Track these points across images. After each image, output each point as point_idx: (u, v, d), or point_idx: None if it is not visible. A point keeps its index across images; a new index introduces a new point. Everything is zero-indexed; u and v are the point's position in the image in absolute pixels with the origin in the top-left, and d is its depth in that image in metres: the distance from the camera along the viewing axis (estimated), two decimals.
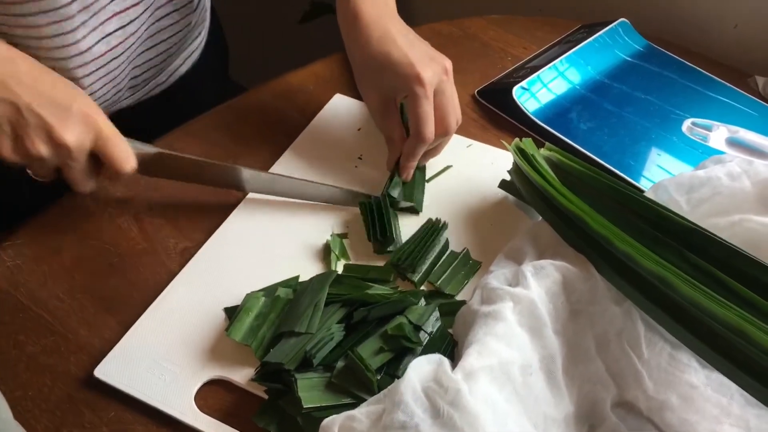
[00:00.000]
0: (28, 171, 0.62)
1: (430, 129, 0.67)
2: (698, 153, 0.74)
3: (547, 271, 0.57)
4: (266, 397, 0.56)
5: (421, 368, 0.50)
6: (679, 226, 0.57)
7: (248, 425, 0.55)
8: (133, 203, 0.70)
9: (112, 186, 0.70)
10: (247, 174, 0.68)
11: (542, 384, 0.53)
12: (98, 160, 0.61)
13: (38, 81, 0.58)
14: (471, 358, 0.51)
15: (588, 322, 0.58)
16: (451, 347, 0.58)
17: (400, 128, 0.71)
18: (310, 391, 0.54)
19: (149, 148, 0.65)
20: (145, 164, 0.64)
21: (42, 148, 0.58)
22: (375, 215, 0.67)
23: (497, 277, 0.59)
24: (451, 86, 0.69)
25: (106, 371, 0.57)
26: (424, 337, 0.58)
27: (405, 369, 0.51)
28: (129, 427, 0.55)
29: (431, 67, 0.67)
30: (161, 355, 0.59)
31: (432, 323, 0.59)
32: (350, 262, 0.65)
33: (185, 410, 0.56)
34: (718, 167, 0.64)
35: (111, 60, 0.73)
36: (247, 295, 0.61)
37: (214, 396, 0.57)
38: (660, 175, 0.72)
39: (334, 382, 0.55)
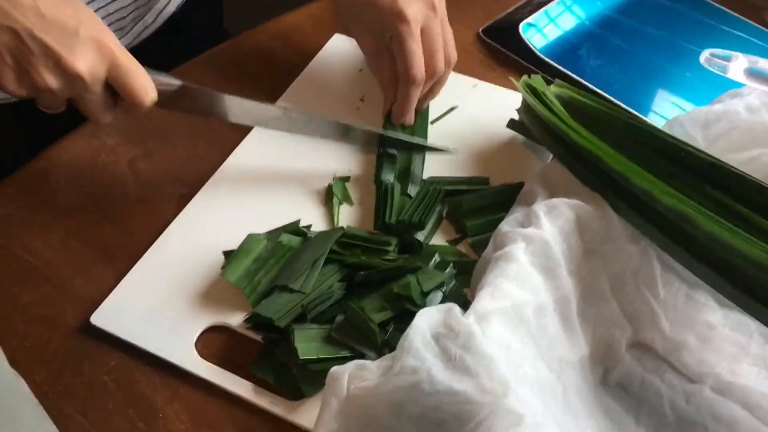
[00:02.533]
0: (38, 104, 0.56)
1: (418, 69, 0.63)
2: (713, 88, 0.71)
3: (560, 209, 0.55)
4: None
5: (430, 316, 0.48)
6: (698, 160, 0.55)
7: (249, 372, 0.53)
8: (127, 149, 0.68)
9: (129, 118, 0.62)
10: (271, 110, 0.64)
11: (557, 326, 0.52)
12: (114, 90, 0.56)
13: (38, 1, 0.51)
14: (483, 300, 0.49)
15: (602, 262, 0.56)
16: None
17: (393, 72, 0.67)
18: (307, 342, 0.52)
19: (170, 80, 0.59)
20: (165, 97, 0.58)
21: (50, 80, 0.51)
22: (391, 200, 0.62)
23: (508, 222, 0.57)
24: (439, 22, 0.65)
25: (103, 318, 0.56)
26: (436, 296, 0.55)
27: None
28: (129, 375, 0.54)
29: (415, 2, 0.62)
30: (160, 302, 0.57)
31: (446, 280, 0.56)
32: (352, 228, 0.61)
33: (186, 357, 0.54)
34: (735, 101, 0.62)
35: None
36: (249, 235, 0.58)
37: (215, 342, 0.55)
38: (674, 112, 0.69)
39: (332, 336, 0.53)
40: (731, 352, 0.55)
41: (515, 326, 0.49)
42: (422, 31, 0.63)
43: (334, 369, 0.48)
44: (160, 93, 0.57)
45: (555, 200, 0.55)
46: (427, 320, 0.48)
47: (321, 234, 0.58)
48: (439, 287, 0.55)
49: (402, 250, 0.59)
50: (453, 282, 0.56)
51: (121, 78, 0.54)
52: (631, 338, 0.56)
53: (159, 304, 0.56)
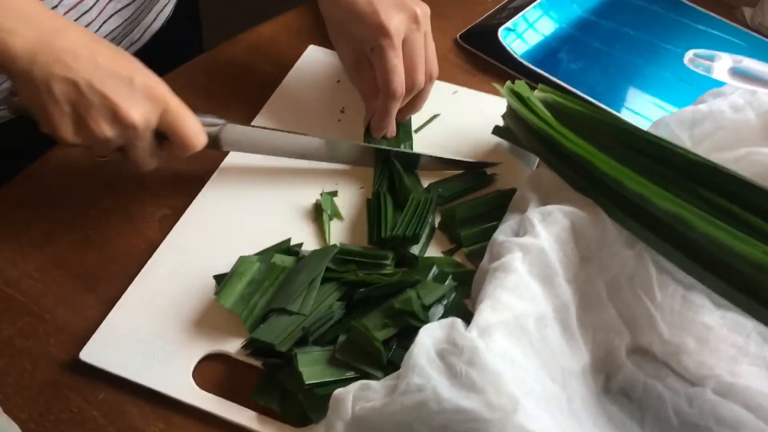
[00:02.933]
0: (88, 151, 0.56)
1: (398, 84, 0.62)
2: (698, 89, 0.71)
3: (555, 216, 0.54)
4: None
5: (433, 332, 0.47)
6: (688, 162, 0.54)
7: (252, 400, 0.52)
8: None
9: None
10: (314, 141, 0.64)
11: (558, 336, 0.51)
12: (161, 136, 0.56)
13: (95, 53, 0.51)
14: (484, 314, 0.48)
15: (598, 268, 0.55)
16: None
17: (374, 84, 0.66)
18: (311, 366, 0.50)
19: (214, 120, 0.60)
20: (211, 138, 0.59)
21: (107, 129, 0.51)
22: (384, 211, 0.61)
23: (503, 231, 0.56)
24: (422, 36, 0.63)
25: (93, 353, 0.53)
26: (438, 310, 0.54)
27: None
28: (120, 408, 0.52)
29: (398, 15, 0.61)
30: (151, 332, 0.55)
31: (447, 292, 0.55)
32: (345, 244, 0.59)
33: (183, 389, 0.52)
34: (719, 100, 0.62)
35: (82, 14, 0.67)
36: (241, 258, 0.57)
37: (213, 371, 0.54)
38: (658, 114, 0.69)
39: (336, 357, 0.51)
40: (730, 353, 0.55)
41: (517, 338, 0.49)
42: (404, 44, 0.62)
43: (338, 391, 0.47)
44: (207, 134, 0.57)
45: (549, 207, 0.55)
46: (430, 336, 0.47)
47: (315, 252, 0.57)
48: (440, 300, 0.54)
49: (398, 263, 0.58)
50: (453, 294, 0.55)
51: (173, 123, 0.54)
52: (630, 343, 0.55)
53: (151, 335, 0.54)
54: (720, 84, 0.69)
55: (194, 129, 0.55)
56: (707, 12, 0.81)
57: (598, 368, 0.54)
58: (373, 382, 0.47)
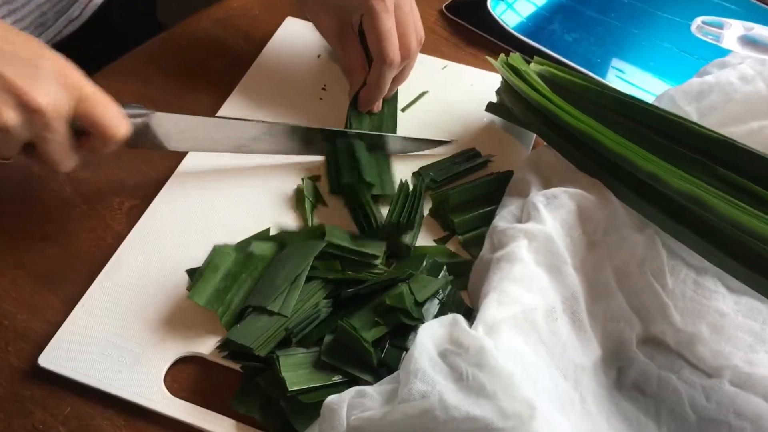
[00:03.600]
0: None
1: (393, 50, 0.58)
2: (695, 59, 0.67)
3: (561, 200, 0.50)
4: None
5: (434, 331, 0.43)
6: (701, 137, 0.51)
7: (230, 407, 0.47)
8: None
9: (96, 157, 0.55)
10: (249, 126, 0.57)
11: (568, 329, 0.47)
12: (78, 130, 0.50)
13: None
14: (491, 309, 0.44)
15: (606, 254, 0.51)
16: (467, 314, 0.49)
17: (361, 55, 0.62)
18: (295, 370, 0.46)
19: (139, 110, 0.53)
20: (140, 131, 0.53)
21: (10, 117, 0.45)
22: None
23: (504, 217, 0.52)
24: (409, 1, 0.60)
25: (53, 358, 0.48)
26: (432, 305, 0.50)
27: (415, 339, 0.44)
28: (90, 423, 0.47)
29: None
30: (118, 333, 0.50)
31: (441, 287, 0.50)
32: (335, 241, 0.53)
33: (154, 396, 0.47)
34: (727, 71, 0.58)
35: None
36: (215, 247, 0.52)
37: (186, 375, 0.49)
38: (657, 86, 0.66)
39: (323, 360, 0.47)
40: (746, 341, 0.52)
41: (527, 334, 0.45)
42: (394, 8, 0.58)
43: (330, 399, 0.43)
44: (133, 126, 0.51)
45: (554, 190, 0.51)
46: (431, 336, 0.43)
47: (300, 245, 0.52)
48: (434, 295, 0.49)
49: (389, 255, 0.53)
50: (449, 288, 0.50)
51: (90, 112, 0.48)
52: (641, 333, 0.52)
53: (117, 337, 0.49)
54: (725, 53, 0.65)
55: (115, 117, 0.49)
56: None
57: (610, 362, 0.50)
58: (369, 389, 0.43)
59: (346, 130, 0.60)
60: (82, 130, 0.49)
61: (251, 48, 0.69)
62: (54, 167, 0.50)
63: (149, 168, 0.59)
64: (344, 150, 0.58)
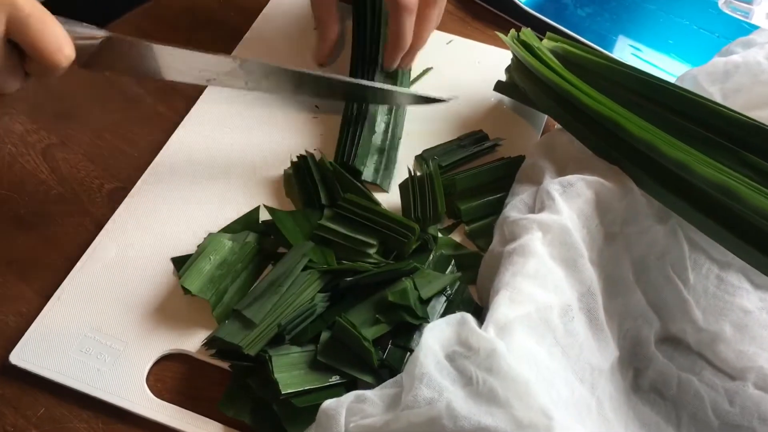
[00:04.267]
0: None
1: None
2: (714, 36, 0.63)
3: (577, 188, 0.46)
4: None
5: (440, 331, 0.39)
6: (730, 121, 0.47)
7: (218, 409, 0.43)
8: (39, 137, 0.55)
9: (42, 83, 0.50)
10: (224, 62, 0.51)
11: (584, 329, 0.43)
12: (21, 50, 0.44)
13: None
14: (502, 306, 0.40)
15: (624, 247, 0.48)
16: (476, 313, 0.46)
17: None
18: (288, 371, 0.42)
19: (92, 31, 0.47)
20: (87, 55, 0.46)
21: None
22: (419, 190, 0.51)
23: (516, 206, 0.48)
24: None
25: (26, 355, 0.45)
26: (439, 302, 0.46)
27: (419, 338, 0.40)
28: (66, 426, 0.43)
29: None
30: (97, 328, 0.46)
31: (449, 283, 0.46)
32: (328, 225, 0.49)
33: (136, 397, 0.44)
34: (755, 50, 0.54)
35: None
36: (210, 235, 0.48)
37: (171, 374, 0.45)
38: (675, 65, 0.62)
39: (319, 360, 0.43)
40: None
41: (541, 335, 0.41)
42: None
43: (327, 404, 0.39)
44: (79, 49, 0.44)
45: (570, 177, 0.47)
46: (437, 337, 0.39)
47: (292, 251, 0.48)
48: (441, 292, 0.46)
49: (386, 249, 0.49)
50: (457, 284, 0.47)
51: (27, 31, 0.42)
52: (660, 332, 0.48)
53: (96, 332, 0.46)
54: (748, 32, 0.61)
55: (55, 39, 0.43)
56: None
57: (627, 363, 0.47)
58: (369, 393, 0.39)
59: (332, 75, 0.55)
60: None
61: (242, 20, 0.64)
62: None
63: (132, 148, 0.55)
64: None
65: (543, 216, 0.45)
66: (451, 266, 0.48)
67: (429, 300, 0.45)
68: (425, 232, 0.49)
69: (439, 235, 0.51)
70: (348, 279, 0.45)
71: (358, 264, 0.46)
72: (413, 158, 0.55)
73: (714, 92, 0.53)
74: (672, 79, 0.54)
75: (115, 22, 0.64)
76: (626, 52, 0.63)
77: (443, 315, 0.44)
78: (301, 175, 0.52)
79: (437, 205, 0.49)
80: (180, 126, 0.56)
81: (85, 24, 0.46)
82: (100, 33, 0.46)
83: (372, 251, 0.47)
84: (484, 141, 0.56)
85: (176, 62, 0.50)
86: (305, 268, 0.45)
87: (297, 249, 0.47)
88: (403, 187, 0.51)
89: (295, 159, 0.53)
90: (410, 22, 0.54)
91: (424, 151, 0.55)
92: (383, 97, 0.56)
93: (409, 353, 0.43)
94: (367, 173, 0.53)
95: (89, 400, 0.43)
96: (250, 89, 0.53)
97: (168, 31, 0.64)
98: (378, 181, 0.53)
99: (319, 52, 0.60)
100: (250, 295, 0.45)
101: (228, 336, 0.43)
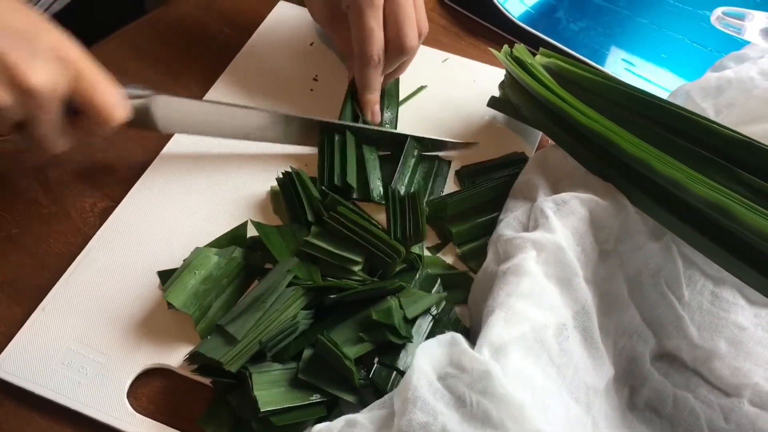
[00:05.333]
0: None
1: (374, 47, 0.54)
2: (707, 50, 0.63)
3: (571, 206, 0.46)
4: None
5: (431, 352, 0.39)
6: (723, 138, 0.47)
7: (198, 426, 0.43)
8: (31, 155, 0.55)
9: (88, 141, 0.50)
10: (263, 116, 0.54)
11: (580, 348, 0.43)
12: (72, 110, 0.46)
13: None
14: (497, 328, 0.40)
15: (618, 264, 0.48)
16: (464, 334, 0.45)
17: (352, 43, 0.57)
18: (268, 388, 0.42)
19: (140, 90, 0.50)
20: (139, 112, 0.49)
21: (2, 96, 0.41)
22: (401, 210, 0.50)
23: (510, 224, 0.48)
24: None
25: (8, 367, 0.45)
26: (424, 322, 0.45)
27: (408, 359, 0.40)
28: None
29: None
30: (80, 340, 0.46)
31: (435, 303, 0.46)
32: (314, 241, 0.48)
33: (116, 411, 0.44)
34: (747, 65, 0.54)
35: None
36: (196, 249, 0.48)
37: (153, 389, 0.45)
38: (668, 79, 0.62)
39: (300, 378, 0.43)
40: (766, 357, 0.48)
41: (536, 355, 0.41)
42: (391, 3, 0.53)
43: (318, 428, 0.39)
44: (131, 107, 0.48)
45: (564, 195, 0.47)
46: (429, 358, 0.39)
47: (277, 268, 0.47)
48: (427, 311, 0.45)
49: (372, 267, 0.49)
50: (443, 304, 0.46)
51: (88, 92, 0.44)
52: (655, 348, 0.48)
53: (79, 344, 0.46)
54: (740, 46, 0.61)
55: (113, 99, 0.46)
56: None
57: (622, 380, 0.47)
58: (359, 417, 0.39)
59: (351, 124, 0.56)
60: (78, 109, 0.45)
61: (238, 36, 0.64)
62: (45, 148, 0.46)
63: (124, 167, 0.55)
64: (340, 147, 0.54)
65: (537, 235, 0.45)
66: (437, 286, 0.48)
67: (414, 320, 0.45)
68: (410, 252, 0.49)
69: (426, 253, 0.50)
70: (332, 296, 0.45)
71: (343, 282, 0.46)
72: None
73: (707, 107, 0.53)
74: (665, 94, 0.55)
75: (107, 39, 0.64)
76: (619, 66, 0.63)
77: (429, 335, 0.44)
78: (287, 193, 0.52)
79: (419, 226, 0.49)
80: (169, 141, 0.56)
81: (132, 84, 0.49)
82: (146, 92, 0.50)
83: (357, 268, 0.47)
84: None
85: (212, 117, 0.54)
86: (290, 285, 0.45)
87: (282, 265, 0.47)
88: (387, 207, 0.51)
89: (280, 175, 0.53)
90: (374, 73, 0.55)
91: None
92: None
93: (395, 372, 0.43)
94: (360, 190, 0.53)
95: (69, 413, 0.43)
96: (283, 143, 0.56)
97: (162, 45, 0.64)
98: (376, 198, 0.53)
99: (362, 105, 0.58)
100: (234, 311, 0.45)
101: (209, 352, 0.43)
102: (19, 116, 0.43)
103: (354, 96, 0.57)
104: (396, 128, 0.58)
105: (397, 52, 0.55)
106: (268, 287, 0.45)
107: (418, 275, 0.48)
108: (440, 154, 0.57)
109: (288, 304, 0.45)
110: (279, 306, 0.44)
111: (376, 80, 0.56)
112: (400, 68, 0.58)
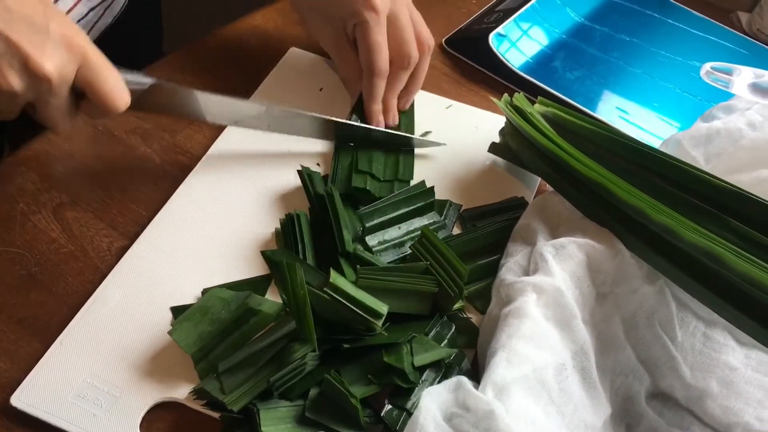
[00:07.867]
0: None
1: (382, 59, 0.59)
2: (697, 99, 0.66)
3: (569, 250, 0.49)
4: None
5: (438, 394, 0.41)
6: (713, 188, 0.49)
7: None
8: (50, 196, 0.57)
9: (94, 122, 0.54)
10: (252, 107, 0.59)
11: (578, 387, 0.45)
12: (78, 93, 0.49)
13: None
14: (500, 368, 0.42)
15: (614, 306, 0.50)
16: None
17: (357, 65, 0.61)
18: (275, 424, 0.44)
19: (141, 78, 0.52)
20: (134, 98, 0.51)
21: (15, 81, 0.44)
22: None
23: (511, 268, 0.50)
24: (407, 10, 0.61)
25: (26, 398, 0.46)
26: (438, 370, 0.47)
27: (416, 399, 0.42)
28: None
29: None
30: (96, 374, 0.47)
31: (443, 357, 0.47)
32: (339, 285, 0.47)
33: None
34: (735, 116, 0.57)
35: None
36: (207, 290, 0.50)
37: (164, 422, 0.47)
38: (659, 126, 0.65)
39: (307, 416, 0.44)
40: (756, 397, 0.50)
41: (537, 395, 0.43)
42: (390, 18, 0.59)
43: None
44: (131, 93, 0.50)
45: (562, 240, 0.49)
46: (435, 400, 0.41)
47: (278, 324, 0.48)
48: (438, 362, 0.47)
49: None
50: (454, 353, 0.48)
51: (93, 79, 0.48)
52: (650, 387, 0.50)
53: (95, 377, 0.47)
54: (729, 96, 0.65)
55: (116, 86, 0.49)
56: (703, 16, 0.76)
57: (618, 419, 0.48)
58: None
59: (344, 121, 0.61)
60: (82, 92, 0.48)
61: (247, 82, 0.67)
62: (51, 128, 0.50)
63: (140, 206, 0.57)
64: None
65: (537, 278, 0.47)
66: (452, 331, 0.49)
67: (423, 367, 0.46)
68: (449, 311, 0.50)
69: None
70: (345, 347, 0.46)
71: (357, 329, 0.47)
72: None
73: (697, 156, 0.56)
74: (657, 141, 0.57)
75: (160, 61, 0.68)
76: (613, 114, 0.65)
77: (440, 380, 0.45)
78: (287, 237, 0.54)
79: (457, 269, 0.49)
80: (183, 183, 0.58)
81: (134, 72, 0.52)
82: (147, 80, 0.52)
83: (379, 322, 0.47)
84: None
85: (210, 106, 0.57)
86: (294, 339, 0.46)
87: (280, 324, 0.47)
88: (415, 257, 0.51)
89: (282, 217, 0.55)
90: (381, 85, 0.60)
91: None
92: (388, 138, 0.61)
93: (404, 413, 0.44)
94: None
95: None
96: (271, 131, 0.60)
97: (200, 69, 0.68)
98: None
99: (369, 119, 0.62)
100: (235, 357, 0.46)
101: (214, 389, 0.45)
102: (31, 98, 0.46)
103: (361, 110, 0.62)
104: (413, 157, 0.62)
105: (399, 62, 0.60)
106: (267, 345, 0.46)
107: (429, 326, 0.49)
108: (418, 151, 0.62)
109: (296, 349, 0.46)
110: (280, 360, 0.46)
111: (381, 90, 0.61)
112: (414, 84, 0.63)
